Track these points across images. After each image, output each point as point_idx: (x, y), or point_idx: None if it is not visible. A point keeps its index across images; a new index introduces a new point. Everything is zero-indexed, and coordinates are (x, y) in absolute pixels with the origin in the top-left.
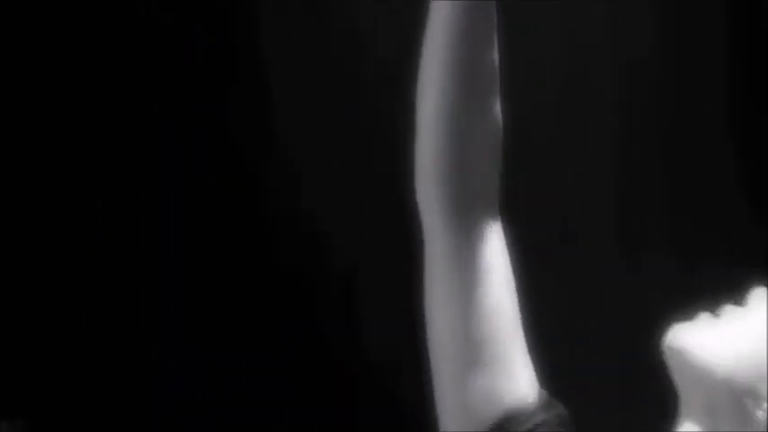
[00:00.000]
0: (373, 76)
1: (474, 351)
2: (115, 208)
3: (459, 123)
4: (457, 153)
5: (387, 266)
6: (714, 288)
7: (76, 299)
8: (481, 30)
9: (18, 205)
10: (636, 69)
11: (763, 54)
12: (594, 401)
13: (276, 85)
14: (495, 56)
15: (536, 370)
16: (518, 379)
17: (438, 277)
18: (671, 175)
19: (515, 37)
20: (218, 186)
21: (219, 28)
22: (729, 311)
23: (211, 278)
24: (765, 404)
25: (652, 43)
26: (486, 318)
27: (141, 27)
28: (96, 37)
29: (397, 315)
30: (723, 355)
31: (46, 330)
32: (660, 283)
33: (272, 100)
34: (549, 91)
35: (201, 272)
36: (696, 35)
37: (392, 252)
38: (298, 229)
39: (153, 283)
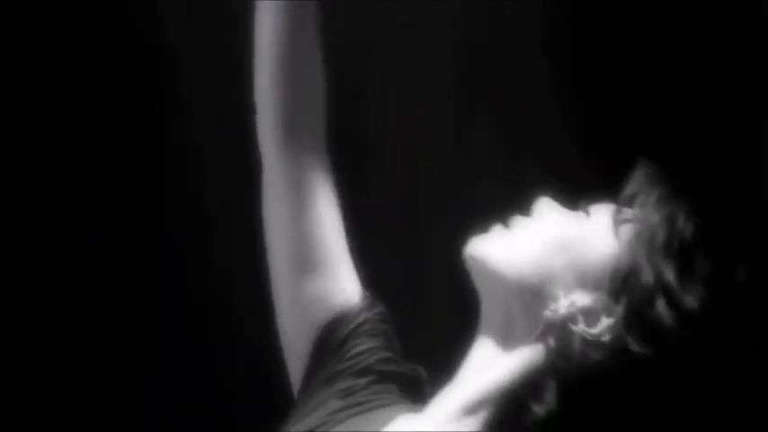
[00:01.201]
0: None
1: (303, 257)
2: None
3: (287, 75)
4: (289, 97)
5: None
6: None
7: (76, 299)
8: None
9: (18, 205)
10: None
11: None
12: (411, 302)
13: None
14: (316, 30)
15: (359, 275)
16: (344, 282)
17: (272, 196)
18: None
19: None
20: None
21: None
22: (518, 222)
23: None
24: (551, 304)
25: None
26: (312, 227)
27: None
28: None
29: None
30: (513, 260)
31: (46, 330)
32: (471, 197)
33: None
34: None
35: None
36: None
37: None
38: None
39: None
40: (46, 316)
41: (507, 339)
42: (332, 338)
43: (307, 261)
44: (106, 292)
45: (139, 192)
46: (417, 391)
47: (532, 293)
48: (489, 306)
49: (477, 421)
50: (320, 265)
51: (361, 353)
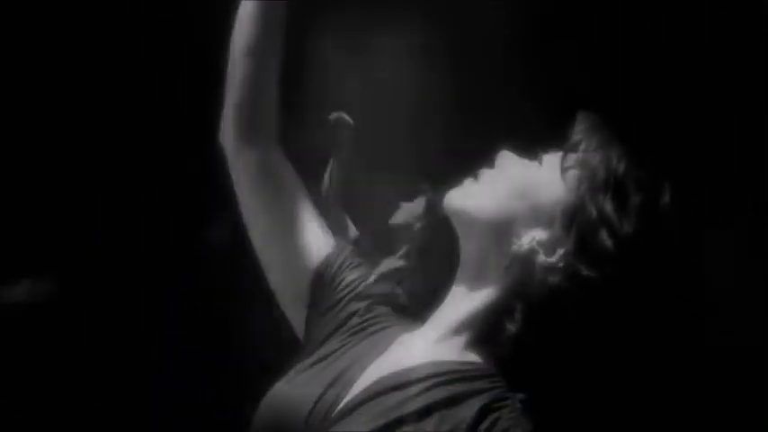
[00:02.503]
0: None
1: (282, 228)
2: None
3: (249, 88)
4: (248, 104)
5: None
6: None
7: (76, 299)
8: (270, 20)
9: (18, 205)
10: None
11: None
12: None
13: None
14: (280, 40)
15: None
16: (321, 238)
17: (241, 188)
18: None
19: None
20: None
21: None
22: (485, 174)
23: None
24: (516, 241)
25: None
26: (283, 207)
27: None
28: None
29: None
30: (483, 207)
31: (46, 330)
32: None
33: None
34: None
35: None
36: None
37: None
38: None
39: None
40: (46, 315)
41: (482, 272)
42: (325, 276)
43: (283, 233)
44: (106, 292)
45: (139, 191)
46: (401, 309)
47: (500, 233)
48: (466, 246)
49: (462, 340)
50: (298, 231)
51: (352, 281)
